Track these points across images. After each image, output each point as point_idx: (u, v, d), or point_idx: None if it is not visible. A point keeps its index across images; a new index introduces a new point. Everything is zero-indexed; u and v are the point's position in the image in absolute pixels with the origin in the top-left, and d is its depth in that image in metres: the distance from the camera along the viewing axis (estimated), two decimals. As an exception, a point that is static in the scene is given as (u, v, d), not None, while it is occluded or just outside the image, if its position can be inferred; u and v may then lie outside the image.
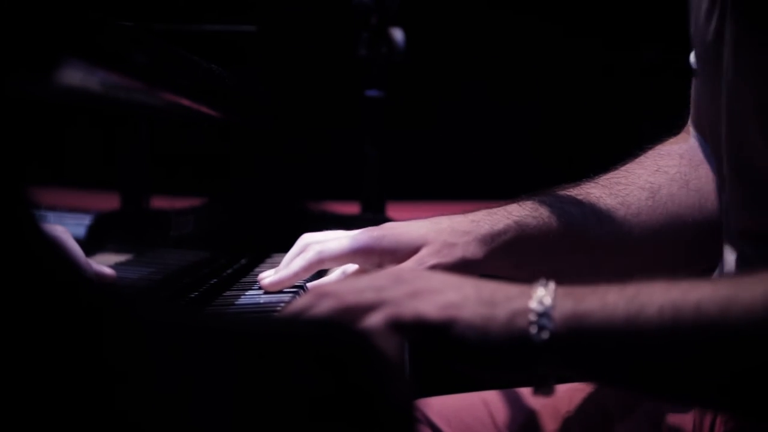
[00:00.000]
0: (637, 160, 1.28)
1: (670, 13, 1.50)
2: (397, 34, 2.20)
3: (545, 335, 0.80)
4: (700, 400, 0.89)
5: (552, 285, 0.82)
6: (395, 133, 2.32)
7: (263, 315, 1.16)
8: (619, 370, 0.82)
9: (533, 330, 0.80)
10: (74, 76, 0.92)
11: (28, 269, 0.65)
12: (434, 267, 1.16)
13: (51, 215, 1.01)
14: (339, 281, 1.08)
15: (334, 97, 3.11)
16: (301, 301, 0.86)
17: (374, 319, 0.81)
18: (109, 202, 1.18)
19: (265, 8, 2.00)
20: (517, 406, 1.25)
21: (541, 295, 0.81)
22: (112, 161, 1.19)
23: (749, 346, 0.78)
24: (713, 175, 1.22)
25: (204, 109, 1.42)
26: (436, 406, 1.26)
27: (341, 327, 0.79)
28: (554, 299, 0.81)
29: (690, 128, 1.29)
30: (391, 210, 2.24)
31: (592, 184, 1.25)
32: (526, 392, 1.25)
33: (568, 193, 1.24)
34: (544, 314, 0.80)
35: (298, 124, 2.08)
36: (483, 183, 3.04)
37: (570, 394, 1.23)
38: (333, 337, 0.75)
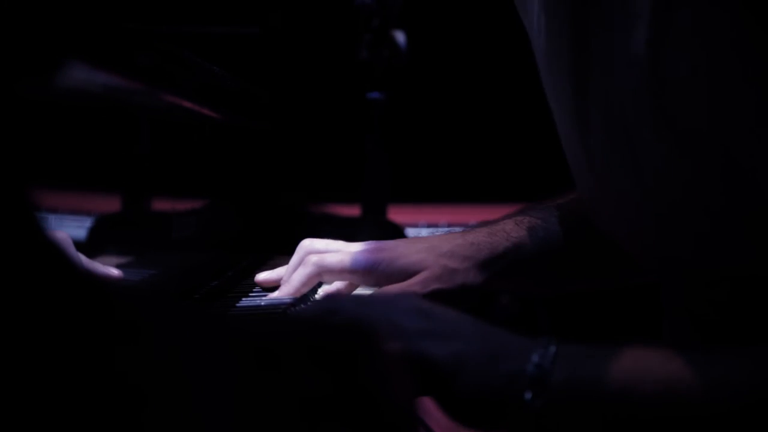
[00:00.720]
0: None
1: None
2: (399, 37, 2.20)
3: (539, 402, 0.80)
4: None
5: (552, 348, 0.82)
6: (397, 135, 2.32)
7: (266, 317, 1.16)
8: None
9: (527, 396, 0.80)
10: (76, 78, 0.92)
11: (32, 271, 0.65)
12: (434, 292, 1.17)
13: (52, 217, 1.01)
14: (353, 298, 1.08)
15: (336, 100, 3.11)
16: (314, 310, 0.87)
17: (387, 347, 0.81)
18: (110, 204, 1.18)
19: (267, 11, 2.00)
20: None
21: (538, 360, 0.81)
22: (113, 163, 1.19)
23: (734, 427, 0.78)
24: None
25: (206, 111, 1.41)
26: (435, 412, 1.25)
27: (345, 327, 0.80)
28: (552, 364, 0.81)
29: None
30: (393, 212, 2.24)
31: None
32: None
33: (565, 204, 1.24)
34: (539, 381, 0.80)
35: (300, 127, 2.08)
36: (485, 185, 3.04)
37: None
38: (336, 336, 0.75)
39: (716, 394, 0.79)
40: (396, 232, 1.87)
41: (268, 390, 0.71)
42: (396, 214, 2.22)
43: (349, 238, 1.29)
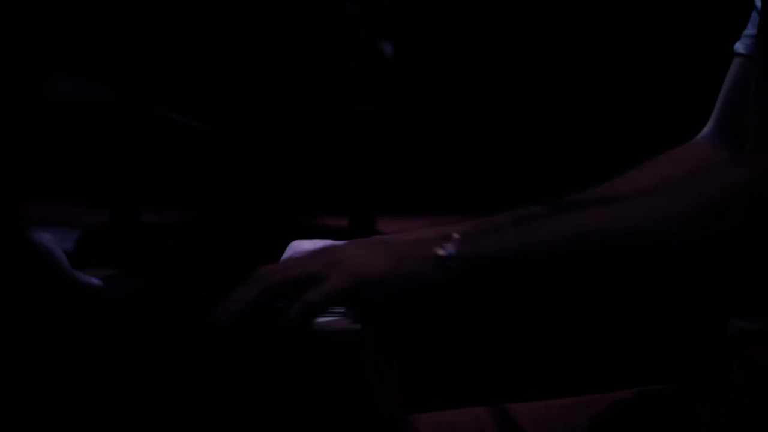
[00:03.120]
0: (639, 167, 1.26)
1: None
2: (387, 47, 2.20)
3: (450, 268, 0.87)
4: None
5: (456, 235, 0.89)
6: (385, 146, 2.32)
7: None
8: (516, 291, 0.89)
9: (438, 267, 0.87)
10: (63, 89, 0.92)
11: (17, 275, 0.64)
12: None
13: (37, 230, 1.00)
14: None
15: (323, 110, 3.11)
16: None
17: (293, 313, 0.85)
18: (97, 215, 1.17)
19: (255, 22, 2.00)
20: (508, 422, 1.24)
21: (445, 243, 0.88)
22: (99, 173, 1.18)
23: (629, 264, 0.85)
24: None
25: (192, 122, 1.41)
26: (427, 422, 1.25)
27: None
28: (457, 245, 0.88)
29: (711, 132, 1.26)
30: (381, 224, 2.24)
31: (586, 195, 1.23)
32: (517, 408, 1.25)
33: (557, 208, 1.23)
34: (448, 256, 0.87)
35: (287, 137, 2.08)
36: (474, 196, 3.04)
37: (562, 410, 1.23)
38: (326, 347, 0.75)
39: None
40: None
41: (257, 399, 0.71)
42: (385, 226, 2.22)
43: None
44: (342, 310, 1.25)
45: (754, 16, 1.17)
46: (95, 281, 1.08)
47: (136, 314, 0.73)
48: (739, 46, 1.20)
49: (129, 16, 1.43)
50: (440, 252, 0.88)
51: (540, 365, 1.90)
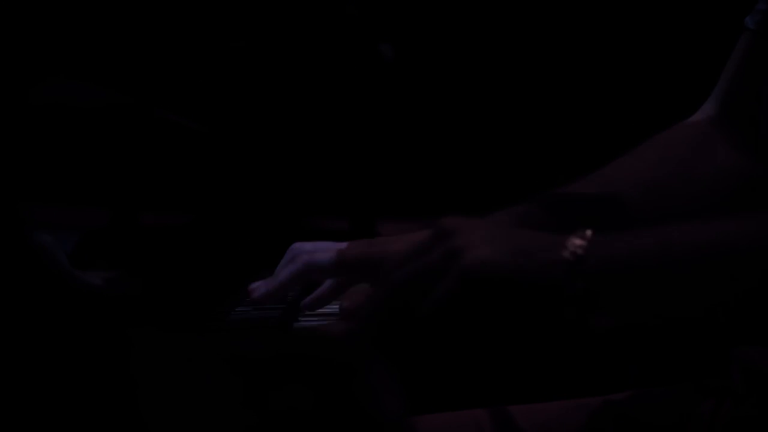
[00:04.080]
0: (635, 151, 1.24)
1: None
2: (387, 49, 2.20)
3: (579, 285, 0.82)
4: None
5: (587, 233, 0.84)
6: (385, 149, 2.32)
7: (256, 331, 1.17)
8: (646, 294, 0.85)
9: (567, 281, 0.82)
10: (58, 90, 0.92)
11: (18, 276, 0.64)
12: None
13: (37, 231, 1.00)
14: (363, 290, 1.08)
15: (323, 113, 3.11)
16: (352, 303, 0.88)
17: (447, 286, 0.83)
18: (98, 218, 1.18)
19: (254, 23, 2.00)
20: (507, 424, 1.24)
21: (573, 248, 0.83)
22: (100, 176, 1.18)
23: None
24: (738, 168, 1.18)
25: (192, 124, 1.41)
26: (427, 424, 1.25)
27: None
28: (587, 248, 0.83)
29: (713, 112, 1.23)
30: (382, 228, 2.24)
31: (579, 185, 1.22)
32: (516, 410, 1.25)
33: (551, 199, 1.22)
34: (576, 265, 0.82)
35: (287, 140, 2.08)
36: (474, 198, 3.04)
37: (561, 411, 1.23)
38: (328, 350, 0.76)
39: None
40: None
41: (257, 401, 0.71)
42: (385, 230, 2.22)
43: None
44: (335, 309, 1.25)
45: None
46: (96, 282, 1.09)
47: (137, 316, 0.73)
48: (749, 21, 1.16)
49: (130, 16, 1.43)
50: (574, 252, 0.83)
51: (539, 370, 1.90)
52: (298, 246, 1.23)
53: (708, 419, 1.12)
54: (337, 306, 1.26)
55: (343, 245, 1.21)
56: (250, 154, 1.82)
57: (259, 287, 1.24)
